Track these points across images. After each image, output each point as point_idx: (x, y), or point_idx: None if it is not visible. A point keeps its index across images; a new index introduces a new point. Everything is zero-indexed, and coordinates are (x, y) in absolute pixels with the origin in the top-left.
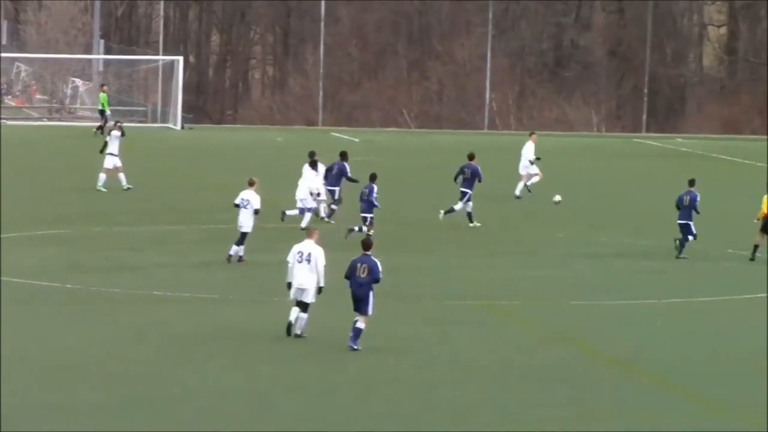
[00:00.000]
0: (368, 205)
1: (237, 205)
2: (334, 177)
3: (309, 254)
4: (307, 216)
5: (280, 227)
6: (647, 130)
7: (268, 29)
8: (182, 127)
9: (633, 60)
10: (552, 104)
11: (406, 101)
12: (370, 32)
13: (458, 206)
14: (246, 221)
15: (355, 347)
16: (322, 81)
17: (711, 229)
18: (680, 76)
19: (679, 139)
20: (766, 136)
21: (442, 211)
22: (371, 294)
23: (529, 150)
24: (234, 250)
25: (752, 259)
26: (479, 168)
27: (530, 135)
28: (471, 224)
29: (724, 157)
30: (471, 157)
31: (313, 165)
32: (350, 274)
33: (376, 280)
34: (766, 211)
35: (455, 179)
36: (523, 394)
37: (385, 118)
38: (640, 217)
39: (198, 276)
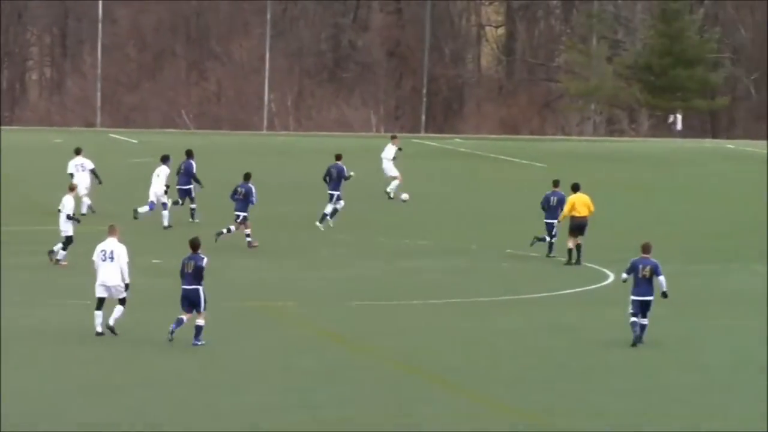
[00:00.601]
0: (243, 204)
1: (59, 210)
2: (183, 176)
3: (111, 252)
4: (165, 213)
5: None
6: (426, 131)
7: (46, 30)
8: None
9: (411, 60)
10: (331, 105)
11: (185, 102)
12: (148, 33)
13: (329, 209)
14: (62, 225)
15: (199, 343)
16: (100, 82)
17: (489, 229)
18: (458, 77)
19: (458, 140)
20: (544, 136)
21: (318, 223)
22: (200, 291)
23: (389, 152)
24: (61, 254)
25: (576, 263)
26: (344, 167)
27: (392, 138)
28: (322, 223)
29: (502, 157)
30: (338, 157)
31: (165, 162)
32: (181, 273)
33: (200, 277)
34: (567, 213)
35: (324, 180)
36: (302, 395)
37: (164, 120)
38: (420, 217)
39: None
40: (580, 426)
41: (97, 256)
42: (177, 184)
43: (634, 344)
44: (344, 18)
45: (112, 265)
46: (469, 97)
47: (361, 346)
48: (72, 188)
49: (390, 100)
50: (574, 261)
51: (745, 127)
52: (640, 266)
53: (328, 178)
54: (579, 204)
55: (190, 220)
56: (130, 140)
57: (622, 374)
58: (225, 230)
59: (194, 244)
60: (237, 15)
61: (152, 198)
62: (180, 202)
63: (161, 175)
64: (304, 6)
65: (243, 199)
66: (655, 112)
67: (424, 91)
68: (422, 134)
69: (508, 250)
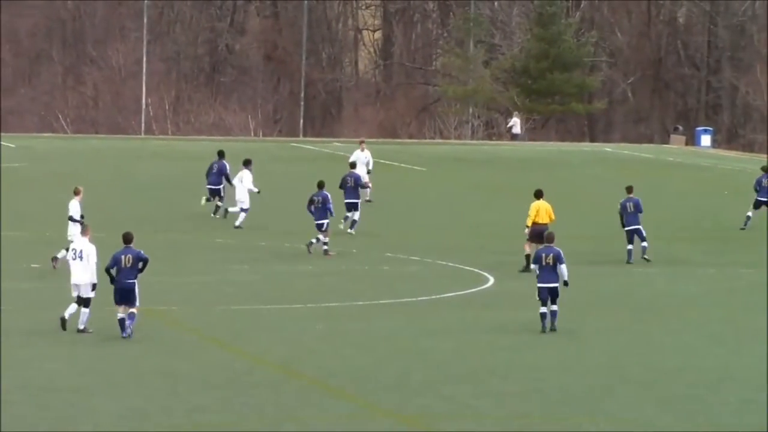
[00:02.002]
0: (323, 212)
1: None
2: (214, 175)
3: (81, 251)
4: (242, 216)
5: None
6: (304, 135)
7: None
8: None
9: (289, 64)
10: (209, 109)
11: (62, 107)
12: (23, 37)
13: (357, 216)
14: (71, 230)
15: (125, 335)
16: None
17: (369, 232)
18: (336, 81)
19: (337, 143)
20: (422, 140)
21: (349, 229)
22: (136, 284)
23: (362, 158)
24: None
25: (526, 271)
26: (360, 175)
27: (360, 143)
28: (349, 231)
29: (381, 161)
30: (352, 165)
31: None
32: (113, 267)
33: (141, 269)
34: (532, 219)
35: (340, 187)
36: (182, 399)
37: (41, 124)
38: (300, 221)
39: None
40: (460, 429)
41: (69, 255)
42: (207, 184)
43: (543, 331)
44: (221, 22)
45: (80, 264)
46: (347, 101)
47: (241, 349)
48: (76, 192)
49: (268, 104)
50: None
51: (622, 130)
52: (543, 255)
53: (344, 187)
54: (542, 211)
55: (213, 215)
56: (8, 144)
57: (504, 377)
58: (314, 240)
59: (127, 238)
60: (113, 19)
61: (238, 203)
62: (210, 199)
63: (245, 179)
64: (181, 10)
65: (321, 208)
66: (532, 116)
67: (302, 95)
68: (300, 138)
69: (388, 254)
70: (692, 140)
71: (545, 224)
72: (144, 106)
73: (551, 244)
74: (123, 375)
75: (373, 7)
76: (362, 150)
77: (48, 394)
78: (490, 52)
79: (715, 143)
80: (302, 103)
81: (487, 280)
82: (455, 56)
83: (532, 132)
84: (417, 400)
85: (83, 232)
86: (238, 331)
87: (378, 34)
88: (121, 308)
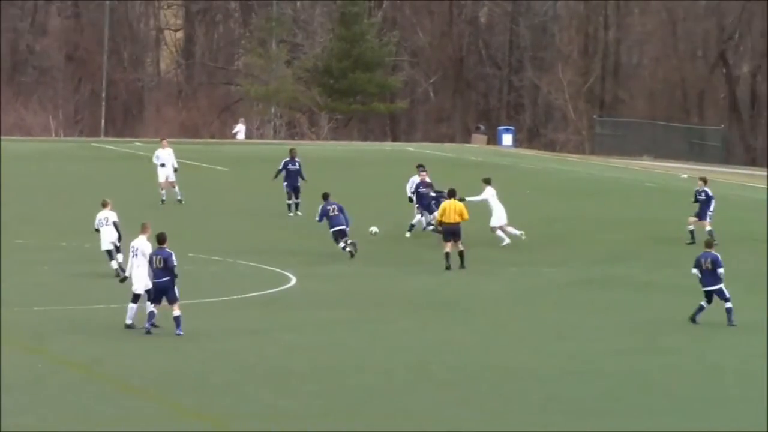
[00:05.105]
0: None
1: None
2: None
3: (136, 249)
4: None
5: None
6: (106, 135)
7: None
8: None
9: (90, 64)
10: (9, 109)
11: None
12: None
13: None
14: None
15: (181, 333)
16: None
17: (171, 232)
18: (138, 81)
19: (138, 143)
20: (224, 140)
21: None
22: (172, 282)
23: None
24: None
25: (448, 268)
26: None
27: (161, 140)
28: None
29: (184, 161)
30: (325, 196)
31: None
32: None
33: (171, 270)
34: (439, 218)
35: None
36: None
37: None
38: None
39: None
40: (264, 428)
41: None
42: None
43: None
44: (22, 22)
45: (136, 261)
46: (148, 101)
47: (42, 351)
48: (104, 204)
49: (69, 104)
50: (457, 266)
51: (424, 129)
52: (702, 260)
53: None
54: (449, 210)
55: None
56: None
57: (306, 376)
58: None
59: (161, 239)
60: None
61: None
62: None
63: None
64: None
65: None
66: (335, 116)
67: (104, 95)
68: (102, 138)
69: (190, 254)
70: (494, 139)
71: (454, 223)
72: None
73: (710, 250)
74: None
75: (175, 7)
76: (164, 148)
77: None
78: (293, 51)
79: (517, 142)
80: (104, 103)
81: (290, 279)
82: (257, 56)
83: (335, 131)
84: (220, 400)
85: (143, 230)
86: (42, 332)
87: (180, 34)
88: (155, 306)
